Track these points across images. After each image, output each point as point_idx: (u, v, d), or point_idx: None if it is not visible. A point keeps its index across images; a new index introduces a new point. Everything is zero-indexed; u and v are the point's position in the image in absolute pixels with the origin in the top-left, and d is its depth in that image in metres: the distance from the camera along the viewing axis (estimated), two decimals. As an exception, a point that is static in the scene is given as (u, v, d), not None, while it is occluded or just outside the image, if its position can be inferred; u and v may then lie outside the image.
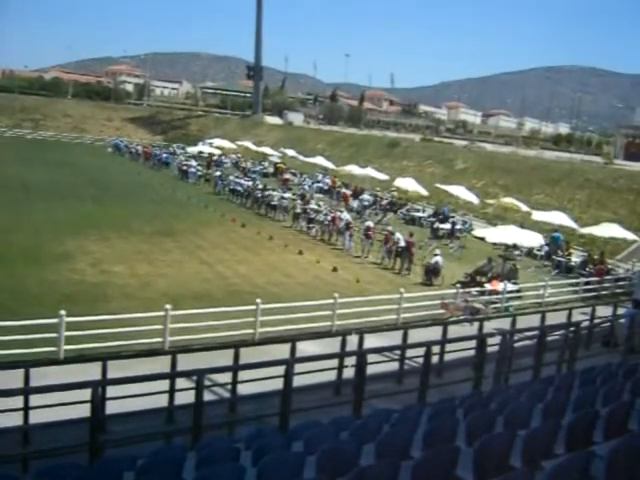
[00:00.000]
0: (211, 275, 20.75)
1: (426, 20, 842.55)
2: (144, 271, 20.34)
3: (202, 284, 19.39)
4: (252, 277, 20.87)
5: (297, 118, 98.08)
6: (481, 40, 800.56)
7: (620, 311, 17.37)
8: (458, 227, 31.83)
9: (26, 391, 8.75)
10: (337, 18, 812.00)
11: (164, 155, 56.48)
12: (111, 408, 8.68)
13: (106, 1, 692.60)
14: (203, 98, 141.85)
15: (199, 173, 47.27)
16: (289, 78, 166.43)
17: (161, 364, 10.38)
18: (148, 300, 16.74)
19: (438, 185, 36.13)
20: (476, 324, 14.81)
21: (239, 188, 38.91)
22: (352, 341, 12.11)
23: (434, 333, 13.56)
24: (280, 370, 9.20)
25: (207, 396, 8.99)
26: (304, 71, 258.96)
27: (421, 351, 11.14)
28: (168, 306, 13.61)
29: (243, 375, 10.38)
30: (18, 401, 8.55)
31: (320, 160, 47.41)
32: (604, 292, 22.82)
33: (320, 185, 45.64)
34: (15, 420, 8.47)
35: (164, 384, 9.48)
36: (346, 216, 28.84)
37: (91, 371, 9.55)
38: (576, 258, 26.79)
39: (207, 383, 9.34)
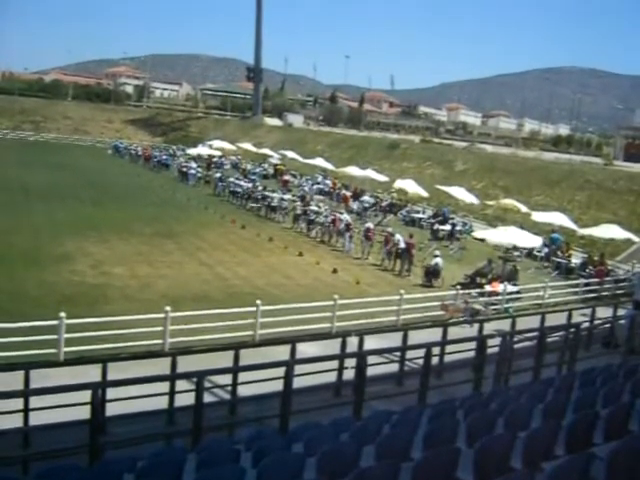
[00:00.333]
0: (211, 276, 20.74)
1: (426, 22, 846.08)
2: (144, 272, 20.35)
3: (202, 285, 19.39)
4: (252, 278, 20.86)
5: (297, 120, 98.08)
6: (481, 42, 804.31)
7: (620, 312, 17.37)
8: (458, 228, 31.78)
9: (26, 393, 8.75)
10: (337, 19, 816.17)
11: (164, 157, 56.56)
12: (111, 410, 8.68)
13: (106, 3, 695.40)
14: (203, 100, 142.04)
15: (199, 175, 47.25)
16: (289, 80, 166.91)
17: (161, 366, 10.36)
18: (148, 301, 16.76)
19: (438, 186, 36.11)
20: (476, 325, 14.80)
21: (239, 190, 38.87)
22: (352, 342, 12.11)
23: (434, 334, 13.56)
24: (280, 371, 9.21)
25: (207, 398, 9.00)
26: (304, 73, 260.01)
27: (421, 352, 11.15)
28: (168, 308, 13.63)
29: (243, 377, 10.35)
30: (18, 403, 8.54)
31: (320, 162, 47.30)
32: (604, 293, 22.82)
33: (320, 187, 45.62)
34: (15, 422, 8.46)
35: (164, 386, 9.48)
36: (346, 217, 28.81)
37: (91, 373, 9.56)
38: (576, 259, 26.76)
39: (207, 385, 9.35)
